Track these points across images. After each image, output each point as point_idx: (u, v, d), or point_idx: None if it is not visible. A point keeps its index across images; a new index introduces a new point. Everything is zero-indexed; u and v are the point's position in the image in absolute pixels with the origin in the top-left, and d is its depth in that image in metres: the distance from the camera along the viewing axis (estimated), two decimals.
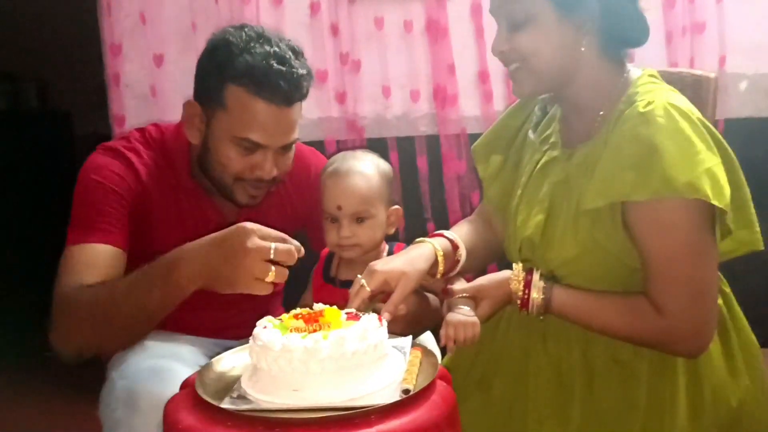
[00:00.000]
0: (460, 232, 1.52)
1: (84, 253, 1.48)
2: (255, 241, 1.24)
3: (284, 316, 1.13)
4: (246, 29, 1.52)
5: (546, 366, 1.39)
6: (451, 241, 1.46)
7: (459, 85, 2.47)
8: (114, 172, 1.54)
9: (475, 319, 1.32)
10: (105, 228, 1.50)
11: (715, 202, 1.22)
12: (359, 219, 1.45)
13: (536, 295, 1.33)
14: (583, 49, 1.32)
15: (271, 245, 1.24)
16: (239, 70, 1.47)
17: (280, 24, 2.41)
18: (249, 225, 1.27)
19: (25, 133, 4.24)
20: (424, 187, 2.49)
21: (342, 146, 2.47)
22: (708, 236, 1.27)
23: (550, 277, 1.36)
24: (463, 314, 1.32)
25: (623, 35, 1.35)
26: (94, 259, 1.48)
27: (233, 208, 1.62)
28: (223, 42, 1.51)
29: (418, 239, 1.45)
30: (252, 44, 1.48)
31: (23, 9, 4.24)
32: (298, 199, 1.71)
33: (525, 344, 1.43)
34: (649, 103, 1.27)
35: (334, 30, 2.42)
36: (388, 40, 2.46)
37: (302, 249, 1.31)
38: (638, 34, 1.36)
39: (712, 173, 1.23)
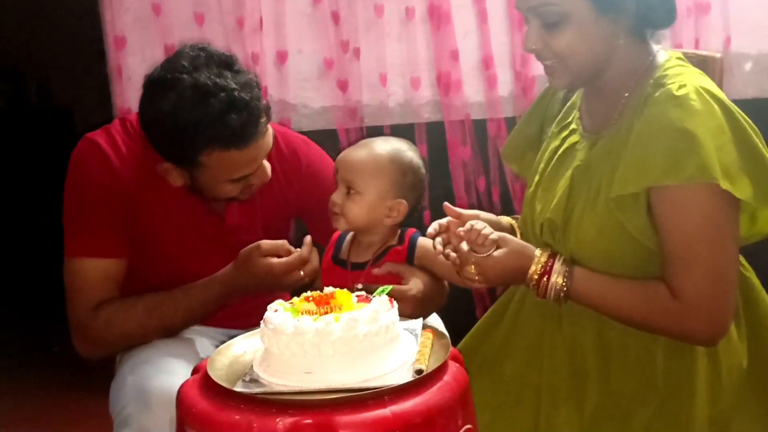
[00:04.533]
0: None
1: (87, 270, 1.52)
2: (263, 264, 1.45)
3: (295, 299, 1.13)
4: (177, 90, 1.40)
5: (561, 347, 1.38)
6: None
7: (462, 71, 2.45)
8: (99, 173, 1.53)
9: (494, 232, 1.31)
10: (102, 237, 1.52)
11: (737, 195, 1.21)
12: (349, 189, 1.44)
13: (558, 279, 1.30)
14: (621, 41, 1.30)
15: (277, 262, 1.45)
16: (202, 142, 1.42)
17: (281, 14, 2.40)
18: (247, 251, 1.47)
19: (27, 130, 4.25)
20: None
21: (349, 135, 2.45)
22: (730, 222, 1.26)
23: (570, 261, 1.33)
24: (485, 224, 1.33)
25: (654, 18, 1.32)
26: (99, 276, 1.52)
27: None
28: (169, 123, 1.42)
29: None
30: (197, 110, 1.39)
31: (24, 6, 4.25)
32: (289, 190, 1.69)
33: (539, 325, 1.42)
34: (681, 86, 1.25)
35: (335, 18, 2.41)
36: (389, 27, 2.44)
37: (307, 237, 1.48)
38: (667, 16, 1.34)
39: (739, 163, 1.22)
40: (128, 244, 1.56)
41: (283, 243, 1.49)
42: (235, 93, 1.41)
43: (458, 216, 1.38)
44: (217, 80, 1.41)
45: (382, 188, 1.45)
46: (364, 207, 1.44)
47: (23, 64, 4.41)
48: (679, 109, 1.23)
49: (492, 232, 1.31)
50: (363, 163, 1.44)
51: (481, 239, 1.29)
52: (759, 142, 1.27)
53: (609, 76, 1.34)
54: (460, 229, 1.32)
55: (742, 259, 1.39)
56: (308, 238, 1.50)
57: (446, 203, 1.41)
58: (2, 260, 3.98)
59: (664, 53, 1.36)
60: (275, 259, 1.46)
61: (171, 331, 1.56)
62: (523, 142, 1.59)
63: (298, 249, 1.49)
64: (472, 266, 1.31)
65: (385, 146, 1.48)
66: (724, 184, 1.20)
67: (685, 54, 1.64)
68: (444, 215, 1.41)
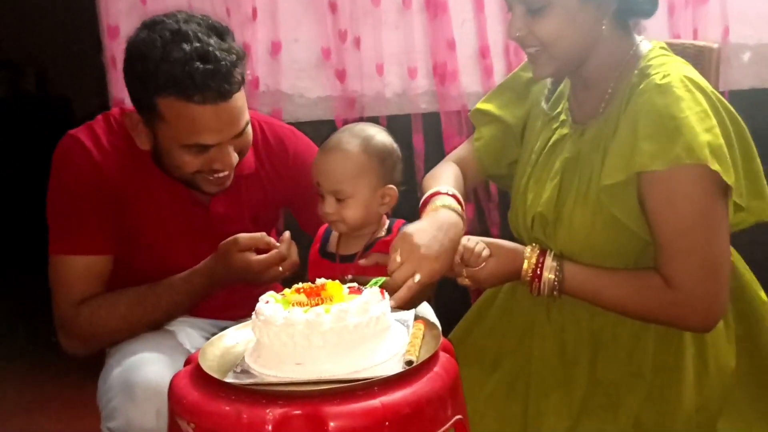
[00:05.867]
0: (457, 187, 1.46)
1: (71, 266, 1.52)
2: (241, 260, 1.45)
3: (286, 290, 1.13)
4: (159, 29, 1.42)
5: (550, 337, 1.39)
6: (459, 202, 1.41)
7: (459, 61, 2.45)
8: (82, 169, 1.52)
9: (487, 248, 1.32)
10: (86, 234, 1.52)
11: (725, 178, 1.22)
12: (339, 198, 1.41)
13: (550, 275, 1.32)
14: (603, 27, 1.30)
15: (255, 258, 1.45)
16: (162, 81, 1.39)
17: (276, 3, 2.39)
18: (225, 245, 1.47)
19: (25, 119, 4.25)
20: (419, 164, 2.48)
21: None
22: (720, 208, 1.26)
23: (560, 256, 1.34)
24: (478, 240, 1.33)
25: (636, 7, 1.33)
26: (83, 273, 1.52)
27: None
28: (137, 54, 1.43)
29: (442, 204, 1.36)
30: (168, 48, 1.39)
31: None
32: (276, 180, 1.68)
33: (529, 315, 1.43)
34: (665, 76, 1.26)
35: (333, 7, 2.40)
36: (386, 16, 2.43)
37: (286, 233, 1.49)
38: (650, 5, 1.34)
39: (724, 147, 1.23)
40: (114, 239, 1.55)
41: (261, 236, 1.48)
42: (210, 48, 1.40)
43: None
44: (200, 35, 1.41)
45: (370, 183, 1.42)
46: (359, 207, 1.41)
47: (21, 54, 4.40)
48: (663, 96, 1.24)
49: (484, 248, 1.32)
50: (342, 169, 1.40)
51: (475, 259, 1.31)
52: (743, 131, 1.28)
53: (593, 65, 1.34)
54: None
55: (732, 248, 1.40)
56: (287, 234, 1.50)
57: None
58: (1, 250, 3.98)
59: (647, 43, 1.36)
60: (253, 256, 1.46)
61: (155, 324, 1.56)
62: (505, 89, 1.55)
63: (282, 235, 1.50)
64: (466, 278, 1.33)
65: (354, 140, 1.42)
66: (714, 165, 1.21)
67: (682, 44, 1.64)
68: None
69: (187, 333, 1.62)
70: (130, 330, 1.53)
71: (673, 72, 1.26)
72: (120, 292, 1.54)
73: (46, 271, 1.56)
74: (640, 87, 1.27)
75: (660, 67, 1.29)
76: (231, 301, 1.62)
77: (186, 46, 1.39)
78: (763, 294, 1.42)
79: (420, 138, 2.47)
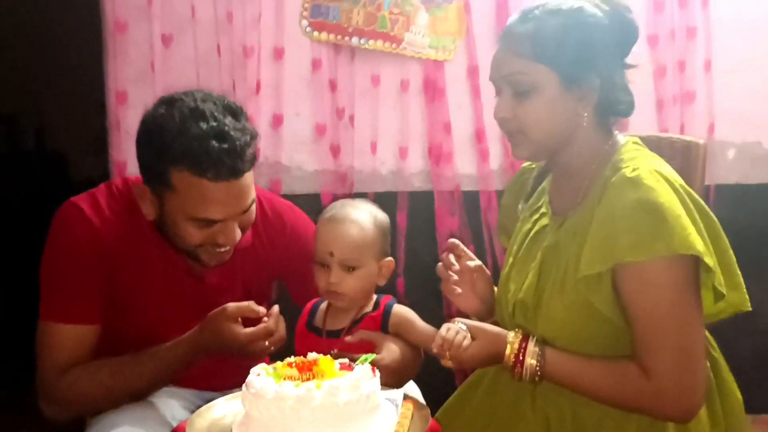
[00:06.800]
0: None
1: (60, 334, 1.53)
2: (229, 331, 1.45)
3: (278, 363, 1.14)
4: (177, 106, 1.47)
5: (534, 424, 1.39)
6: None
7: (455, 143, 2.51)
8: (81, 238, 1.53)
9: (468, 335, 1.34)
10: (77, 304, 1.52)
11: (706, 260, 1.25)
12: (349, 267, 1.45)
13: (532, 361, 1.34)
14: (584, 121, 1.36)
15: (243, 331, 1.45)
16: (178, 153, 1.43)
17: (281, 78, 2.46)
18: (213, 314, 1.47)
19: (22, 174, 4.27)
20: (400, 242, 2.50)
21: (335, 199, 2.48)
22: (694, 298, 1.30)
23: (542, 342, 1.37)
24: (458, 327, 1.35)
25: (615, 106, 1.40)
26: (71, 342, 1.53)
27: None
28: (155, 126, 1.47)
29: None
30: (186, 124, 1.44)
31: (27, 52, 4.32)
32: (272, 254, 1.70)
33: (514, 399, 1.44)
34: (635, 169, 1.31)
35: (332, 86, 2.48)
36: (384, 97, 2.50)
37: (275, 307, 1.50)
38: (627, 106, 1.41)
39: (700, 234, 1.27)
40: (105, 306, 1.55)
41: (248, 305, 1.49)
42: (226, 128, 1.44)
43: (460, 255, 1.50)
44: (216, 114, 1.45)
45: (375, 255, 1.48)
46: (365, 278, 1.46)
47: (20, 109, 4.45)
48: (634, 189, 1.28)
49: (465, 337, 1.34)
50: (358, 239, 1.45)
51: (455, 349, 1.33)
52: (713, 224, 1.32)
53: (572, 155, 1.40)
54: (433, 344, 1.35)
55: (711, 338, 1.42)
56: (275, 309, 1.51)
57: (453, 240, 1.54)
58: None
59: (622, 138, 1.43)
60: (241, 328, 1.47)
61: (138, 393, 1.55)
62: (506, 219, 1.64)
63: (271, 309, 1.50)
64: (449, 360, 1.34)
65: (363, 213, 1.48)
66: (693, 250, 1.23)
67: (670, 139, 1.71)
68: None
69: (169, 404, 1.61)
70: (112, 398, 1.52)
71: (642, 165, 1.31)
72: (103, 361, 1.53)
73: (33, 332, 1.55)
74: (612, 180, 1.32)
75: (630, 161, 1.34)
76: (214, 371, 1.61)
77: (203, 125, 1.43)
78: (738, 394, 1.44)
79: (404, 215, 2.51)
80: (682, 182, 1.33)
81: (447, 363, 1.35)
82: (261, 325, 1.47)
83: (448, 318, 2.38)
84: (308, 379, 1.08)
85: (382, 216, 1.52)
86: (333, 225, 1.47)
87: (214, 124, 1.44)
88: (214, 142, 1.42)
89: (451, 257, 1.51)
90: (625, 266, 1.28)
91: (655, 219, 1.25)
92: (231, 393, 1.57)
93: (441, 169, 2.51)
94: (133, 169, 2.42)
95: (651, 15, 2.50)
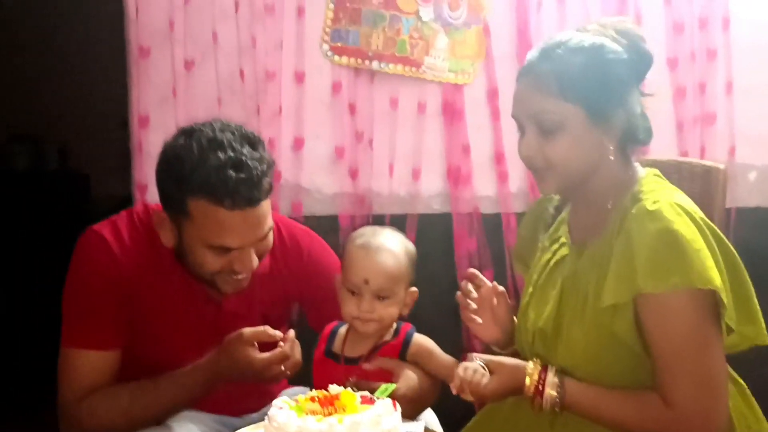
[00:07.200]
0: None
1: (81, 360, 1.55)
2: (245, 356, 1.46)
3: (300, 397, 1.14)
4: (196, 136, 1.50)
5: None
6: None
7: (473, 165, 2.52)
8: (102, 266, 1.56)
9: (486, 372, 1.34)
10: (99, 330, 1.55)
11: (722, 296, 1.25)
12: (382, 296, 1.46)
13: (552, 391, 1.34)
14: (610, 154, 1.37)
15: (258, 356, 1.46)
16: (196, 184, 1.46)
17: (301, 102, 2.47)
18: (229, 339, 1.49)
19: (45, 194, 4.33)
20: (418, 264, 2.48)
21: (355, 222, 2.48)
22: (714, 328, 1.30)
23: (562, 371, 1.37)
24: (476, 366, 1.35)
25: (636, 135, 1.40)
26: (92, 368, 1.55)
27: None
28: (174, 156, 1.50)
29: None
30: (204, 154, 1.46)
31: (51, 71, 4.40)
32: (290, 280, 1.71)
33: (533, 430, 1.43)
34: (655, 201, 1.31)
35: (352, 109, 2.49)
36: (403, 119, 2.51)
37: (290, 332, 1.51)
38: (646, 134, 1.42)
39: (719, 268, 1.27)
40: (125, 333, 1.58)
41: (264, 329, 1.50)
42: (243, 158, 1.47)
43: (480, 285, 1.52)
44: (234, 144, 1.48)
45: (405, 284, 1.50)
46: (396, 307, 1.48)
47: (45, 130, 4.51)
48: (654, 222, 1.28)
49: (483, 375, 1.34)
50: (395, 271, 1.47)
51: (474, 387, 1.33)
52: (732, 257, 1.32)
53: (595, 187, 1.40)
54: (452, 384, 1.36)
55: (731, 371, 1.42)
56: (291, 333, 1.52)
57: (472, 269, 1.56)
58: (16, 328, 3.99)
59: (642, 170, 1.43)
60: (257, 353, 1.48)
61: (157, 418, 1.56)
62: (523, 249, 1.64)
63: (287, 333, 1.52)
64: (469, 395, 1.35)
65: (395, 242, 1.51)
66: (711, 284, 1.24)
67: (690, 164, 1.71)
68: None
69: (188, 428, 1.61)
70: (131, 423, 1.54)
71: (663, 198, 1.32)
72: (122, 386, 1.55)
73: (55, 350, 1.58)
74: (632, 211, 1.33)
75: (650, 193, 1.35)
76: (234, 395, 1.63)
77: (221, 155, 1.46)
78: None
79: (412, 237, 2.50)
80: (702, 215, 1.33)
81: (467, 396, 1.35)
82: (277, 350, 1.49)
83: (466, 342, 2.40)
84: (330, 414, 1.08)
85: (411, 246, 1.54)
86: (370, 253, 1.48)
87: (232, 154, 1.46)
88: (231, 172, 1.44)
89: (470, 286, 1.52)
90: (645, 296, 1.28)
91: (675, 251, 1.26)
92: (249, 416, 1.60)
93: (459, 192, 2.51)
94: (154, 190, 2.43)
95: (671, 37, 2.50)
